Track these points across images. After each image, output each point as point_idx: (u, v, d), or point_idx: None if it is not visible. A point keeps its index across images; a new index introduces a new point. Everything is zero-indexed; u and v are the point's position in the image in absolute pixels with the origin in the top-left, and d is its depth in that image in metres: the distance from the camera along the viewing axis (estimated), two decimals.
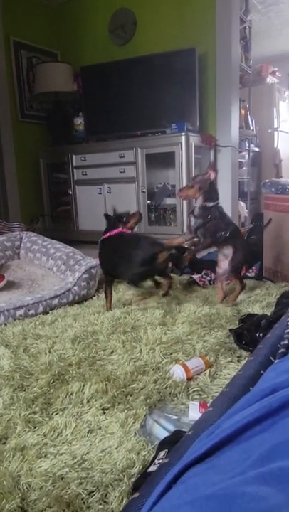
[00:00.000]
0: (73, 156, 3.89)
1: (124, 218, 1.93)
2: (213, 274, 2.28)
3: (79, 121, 4.03)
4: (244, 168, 4.43)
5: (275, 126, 5.36)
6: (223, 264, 1.90)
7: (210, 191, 1.79)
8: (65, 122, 4.12)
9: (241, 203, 4.18)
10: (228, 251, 1.87)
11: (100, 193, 3.78)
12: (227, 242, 1.86)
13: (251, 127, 4.51)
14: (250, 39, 4.14)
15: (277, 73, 5.46)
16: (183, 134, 3.29)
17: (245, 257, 1.97)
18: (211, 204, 1.78)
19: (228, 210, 3.71)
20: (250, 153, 4.51)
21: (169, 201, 3.65)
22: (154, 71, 3.59)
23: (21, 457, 0.88)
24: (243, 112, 4.20)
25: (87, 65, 3.93)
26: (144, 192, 3.57)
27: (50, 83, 3.85)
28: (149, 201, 3.65)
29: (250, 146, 4.49)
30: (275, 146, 5.35)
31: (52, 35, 4.33)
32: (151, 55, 3.61)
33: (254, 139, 4.80)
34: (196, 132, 3.46)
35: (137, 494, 0.44)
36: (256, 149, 4.98)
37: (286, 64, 5.93)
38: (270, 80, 5.31)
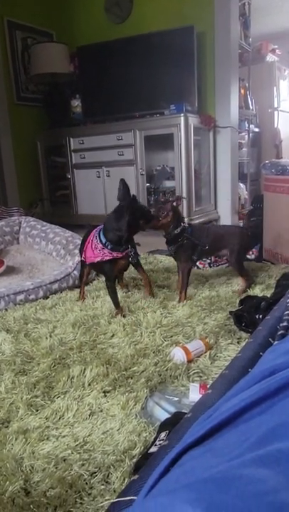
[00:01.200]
0: (71, 139, 3.83)
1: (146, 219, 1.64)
2: (212, 257, 2.28)
3: (76, 103, 3.96)
4: (244, 149, 4.37)
5: (275, 105, 5.26)
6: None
7: (177, 218, 1.75)
8: (62, 104, 4.05)
9: (241, 184, 4.14)
10: (225, 251, 1.87)
11: (99, 177, 3.74)
12: (217, 249, 1.86)
13: (251, 107, 4.43)
14: (249, 16, 4.02)
15: (277, 51, 5.34)
16: (182, 115, 3.23)
17: (245, 248, 1.95)
18: (178, 230, 1.74)
19: (227, 192, 3.73)
20: (250, 134, 4.44)
21: (168, 184, 3.62)
22: (152, 50, 3.51)
23: (24, 440, 0.90)
24: (242, 91, 4.12)
25: (83, 44, 3.84)
26: (142, 175, 3.53)
27: (46, 64, 3.76)
28: (148, 184, 3.61)
29: (250, 126, 4.42)
30: (276, 126, 5.27)
31: (47, 14, 4.21)
32: (148, 34, 3.52)
33: (254, 119, 4.72)
34: (194, 113, 3.40)
35: (136, 476, 0.44)
36: (256, 130, 4.90)
37: (286, 41, 5.79)
38: (270, 58, 5.20)
